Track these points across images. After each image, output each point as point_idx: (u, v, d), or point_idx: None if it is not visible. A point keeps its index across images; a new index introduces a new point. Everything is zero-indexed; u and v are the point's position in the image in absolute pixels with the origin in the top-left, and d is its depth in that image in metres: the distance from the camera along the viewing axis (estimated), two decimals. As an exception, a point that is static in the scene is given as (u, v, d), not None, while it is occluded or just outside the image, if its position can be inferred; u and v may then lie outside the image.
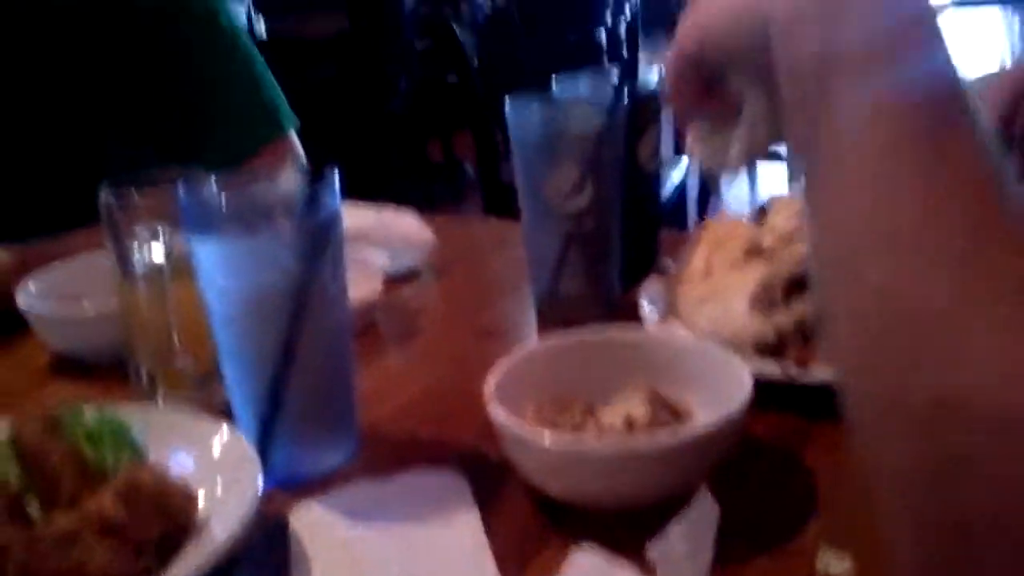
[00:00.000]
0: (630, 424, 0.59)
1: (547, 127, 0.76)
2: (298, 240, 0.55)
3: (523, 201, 0.79)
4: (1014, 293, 0.32)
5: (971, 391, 0.31)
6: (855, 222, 0.35)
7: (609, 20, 6.06)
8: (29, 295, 0.80)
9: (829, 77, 0.37)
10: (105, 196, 0.65)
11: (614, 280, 0.80)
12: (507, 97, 0.76)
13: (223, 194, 0.58)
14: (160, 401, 0.69)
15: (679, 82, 0.52)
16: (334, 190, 0.57)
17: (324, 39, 3.81)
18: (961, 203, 0.34)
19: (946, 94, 0.35)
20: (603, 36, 5.86)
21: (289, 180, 0.94)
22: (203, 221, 0.55)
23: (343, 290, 0.60)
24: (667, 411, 0.61)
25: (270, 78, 1.13)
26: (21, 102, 1.04)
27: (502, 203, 2.61)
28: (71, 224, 0.94)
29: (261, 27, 3.55)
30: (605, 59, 5.59)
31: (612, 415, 0.61)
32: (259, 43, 3.55)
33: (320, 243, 0.55)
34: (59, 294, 0.81)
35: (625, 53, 6.27)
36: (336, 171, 0.57)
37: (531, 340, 0.79)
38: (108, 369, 0.74)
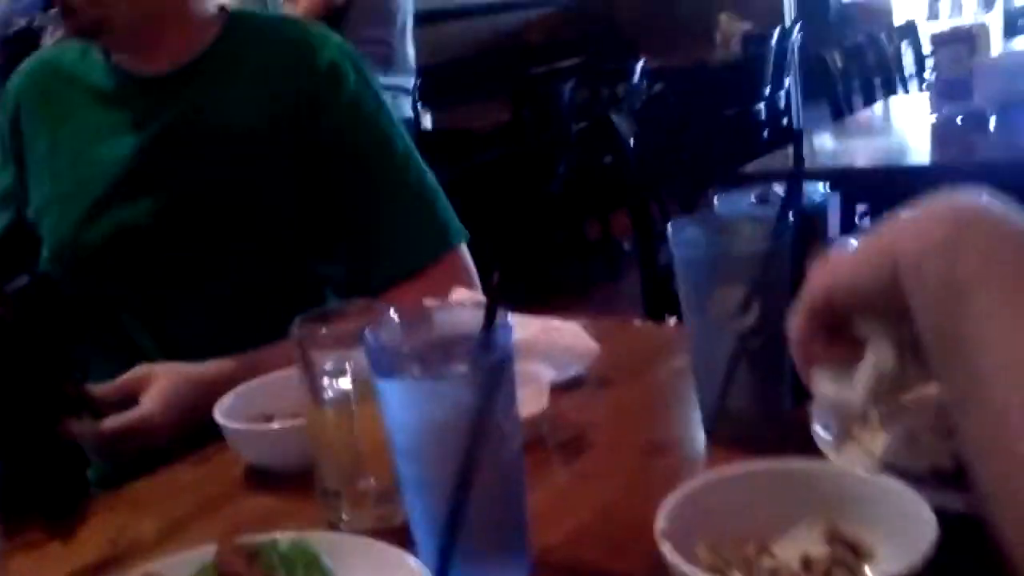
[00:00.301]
0: (807, 565, 0.58)
1: (711, 248, 0.77)
2: (475, 380, 0.57)
3: (688, 318, 0.80)
4: None
5: None
6: (1017, 407, 0.40)
7: (767, 93, 5.97)
8: (225, 409, 0.86)
9: (958, 301, 0.43)
10: (297, 329, 0.71)
11: (785, 398, 0.79)
12: (671, 222, 0.78)
13: (405, 334, 0.62)
14: (344, 516, 0.73)
15: (805, 333, 0.57)
16: (508, 331, 0.60)
17: (488, 129, 3.96)
18: None
19: None
20: (762, 110, 5.78)
21: (460, 302, 0.99)
22: (387, 363, 0.59)
23: (515, 421, 0.62)
24: (848, 551, 0.59)
25: (440, 194, 1.18)
26: (209, 228, 1.12)
27: (660, 283, 2.61)
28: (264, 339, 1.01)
29: (428, 120, 3.73)
30: (765, 133, 5.50)
31: (788, 553, 0.60)
32: (425, 134, 3.73)
33: (495, 382, 0.58)
34: (253, 409, 0.87)
35: (788, 122, 6.10)
36: (508, 315, 0.60)
37: (700, 459, 0.79)
38: (298, 480, 0.79)
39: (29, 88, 1.21)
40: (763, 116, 5.47)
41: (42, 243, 1.16)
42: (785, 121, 5.76)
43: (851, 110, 3.32)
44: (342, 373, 0.67)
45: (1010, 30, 4.90)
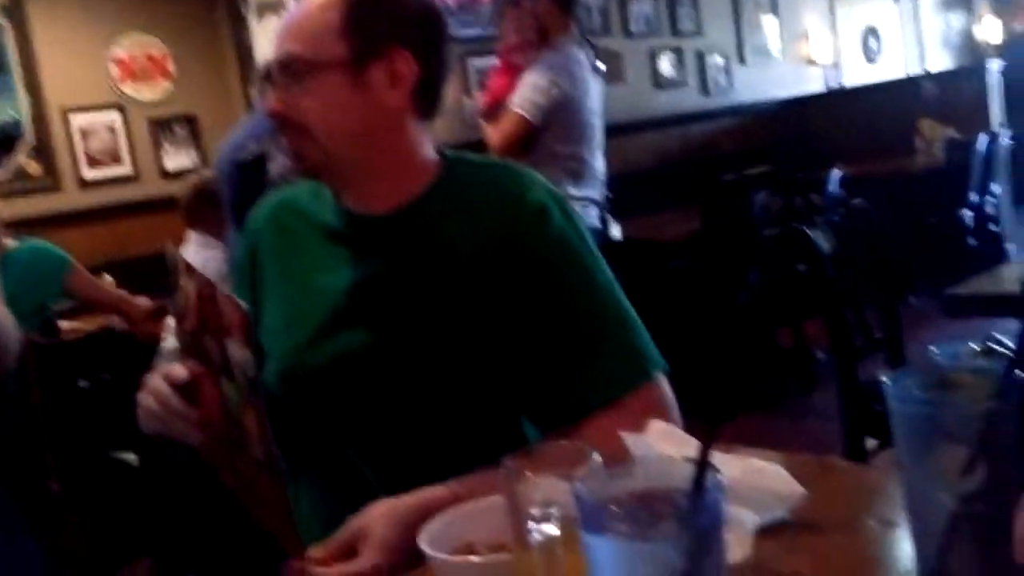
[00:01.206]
0: None
1: (931, 404, 0.73)
2: (684, 543, 0.57)
3: (905, 475, 0.76)
4: None
5: None
6: None
7: (975, 198, 5.68)
8: (430, 535, 0.89)
9: None
10: (506, 470, 0.73)
11: (1011, 569, 0.74)
12: (886, 375, 0.75)
13: (611, 484, 0.63)
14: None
15: None
16: (719, 494, 0.60)
17: (678, 239, 3.98)
18: None
19: None
20: (968, 216, 5.50)
21: (658, 435, 0.99)
22: (595, 519, 0.60)
23: (724, 582, 0.61)
24: None
25: (639, 324, 1.20)
26: (420, 357, 1.18)
27: (859, 399, 2.50)
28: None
29: (617, 230, 3.78)
30: (969, 240, 5.22)
31: None
32: (614, 244, 3.76)
33: (704, 547, 0.57)
34: (456, 538, 0.89)
35: (995, 228, 5.76)
36: (720, 479, 0.59)
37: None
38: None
39: (268, 222, 1.33)
40: (969, 222, 5.22)
41: (268, 365, 1.25)
42: (994, 228, 5.47)
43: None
44: (548, 519, 0.68)
45: None
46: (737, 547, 0.84)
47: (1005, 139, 5.52)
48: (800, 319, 4.39)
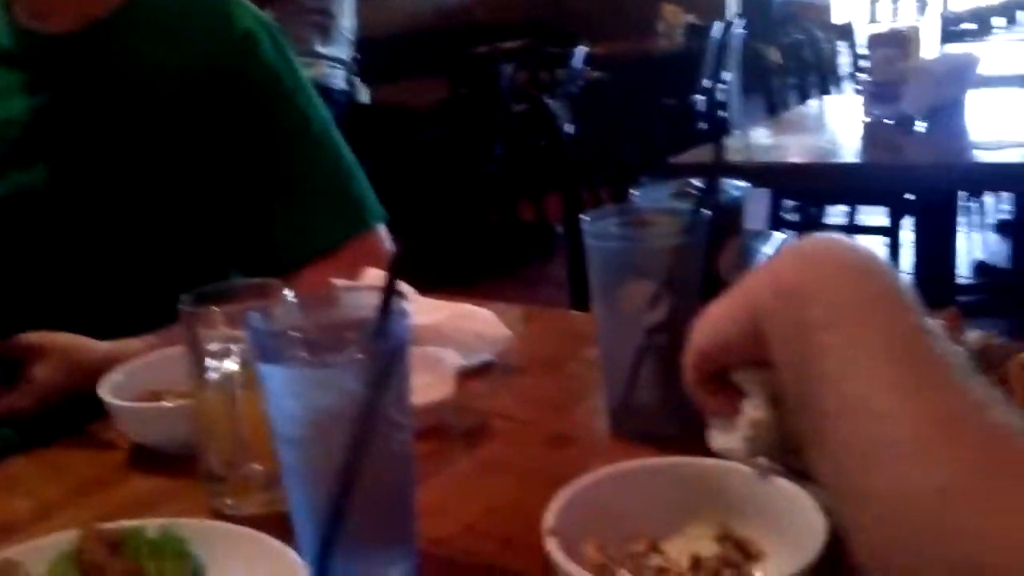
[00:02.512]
0: (696, 564, 0.57)
1: (623, 240, 0.75)
2: (365, 370, 0.55)
3: (597, 311, 0.78)
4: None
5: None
6: (858, 443, 0.43)
7: (707, 85, 6.01)
8: (111, 385, 0.82)
9: (808, 344, 0.46)
10: (185, 305, 0.67)
11: (687, 398, 0.78)
12: (584, 214, 0.76)
13: (300, 317, 0.59)
14: (228, 501, 0.70)
15: (695, 375, 0.58)
16: (404, 318, 0.57)
17: (426, 107, 3.91)
18: (942, 405, 0.41)
19: (913, 331, 0.44)
20: (701, 101, 5.83)
21: (367, 287, 0.96)
22: (269, 347, 0.56)
23: (408, 411, 0.59)
24: (738, 551, 0.58)
25: (358, 173, 1.15)
26: (110, 197, 1.07)
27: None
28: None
29: (365, 95, 3.66)
30: (700, 124, 5.56)
31: (679, 552, 0.58)
32: (363, 108, 3.66)
33: (387, 372, 0.55)
34: (140, 387, 0.83)
35: (721, 114, 6.16)
36: (413, 300, 0.57)
37: (603, 453, 0.77)
38: (185, 463, 0.75)
39: None
40: (702, 108, 5.52)
41: None
42: (723, 114, 5.82)
43: (786, 106, 3.35)
44: (228, 355, 0.64)
45: (947, 35, 5.00)
46: (440, 386, 0.84)
47: (739, 28, 5.82)
48: (542, 193, 4.51)
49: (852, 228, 3.96)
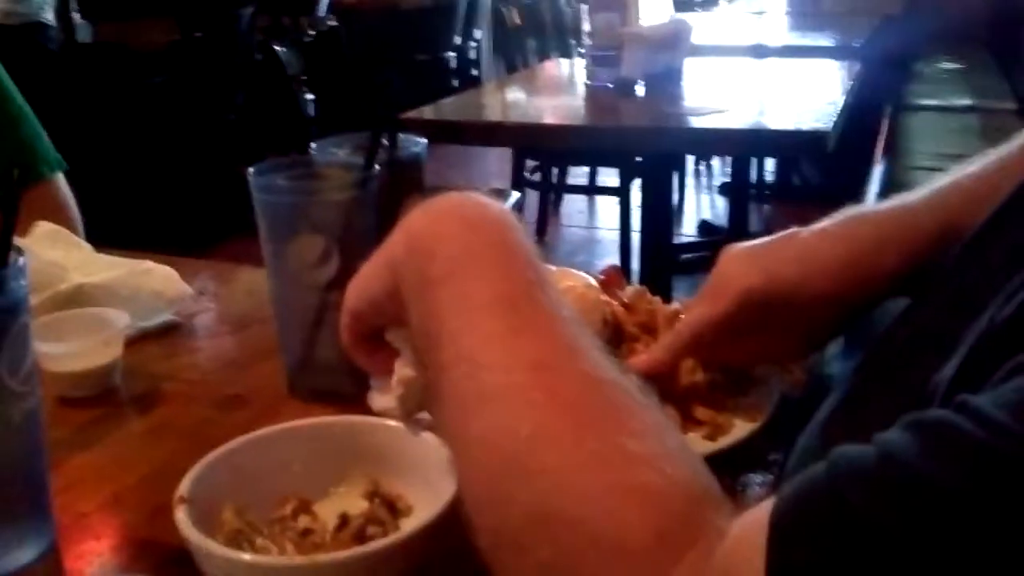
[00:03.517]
0: (343, 523, 0.57)
1: (291, 193, 0.73)
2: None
3: (268, 267, 0.76)
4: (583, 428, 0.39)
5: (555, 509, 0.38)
6: (462, 393, 0.43)
7: (458, 42, 6.04)
8: None
9: (429, 298, 0.46)
10: None
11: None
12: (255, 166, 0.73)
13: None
14: None
15: (349, 336, 0.57)
16: (20, 274, 0.52)
17: (153, 48, 3.65)
18: (537, 353, 0.42)
19: (521, 283, 0.45)
20: (453, 59, 5.84)
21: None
22: None
23: (28, 381, 0.55)
24: (385, 507, 0.59)
25: (31, 118, 1.05)
26: None
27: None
28: None
29: (86, 33, 3.37)
30: (452, 81, 5.57)
31: (330, 512, 0.58)
32: (82, 47, 3.36)
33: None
34: None
35: (474, 72, 6.22)
36: (23, 258, 0.52)
37: (276, 414, 0.75)
38: None
39: None
40: (454, 65, 5.54)
41: None
42: (475, 72, 5.87)
43: (527, 66, 3.42)
44: None
45: (679, 5, 5.26)
46: (105, 349, 0.79)
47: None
48: (290, 145, 4.37)
49: (590, 189, 4.14)
